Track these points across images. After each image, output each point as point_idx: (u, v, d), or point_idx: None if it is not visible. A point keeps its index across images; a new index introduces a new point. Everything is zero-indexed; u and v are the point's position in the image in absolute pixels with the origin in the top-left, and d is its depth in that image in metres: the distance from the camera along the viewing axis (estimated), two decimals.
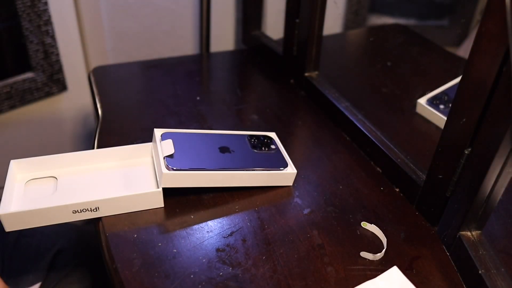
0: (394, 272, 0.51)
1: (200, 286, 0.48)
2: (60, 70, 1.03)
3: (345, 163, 0.68)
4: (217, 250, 0.53)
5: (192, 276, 0.49)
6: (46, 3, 0.94)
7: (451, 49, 1.00)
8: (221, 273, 0.50)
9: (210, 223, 0.56)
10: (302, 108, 0.82)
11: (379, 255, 0.53)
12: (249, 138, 0.66)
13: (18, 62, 0.99)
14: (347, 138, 0.74)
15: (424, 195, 0.58)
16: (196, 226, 0.56)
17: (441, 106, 0.76)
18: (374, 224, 0.57)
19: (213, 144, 0.62)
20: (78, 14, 1.02)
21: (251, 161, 0.61)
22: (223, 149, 0.62)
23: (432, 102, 0.77)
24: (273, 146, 0.66)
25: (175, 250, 0.52)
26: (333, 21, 1.14)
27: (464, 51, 0.96)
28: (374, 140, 0.67)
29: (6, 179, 0.56)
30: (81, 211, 0.54)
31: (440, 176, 0.54)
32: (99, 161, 0.62)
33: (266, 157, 0.63)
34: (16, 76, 0.98)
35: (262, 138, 0.67)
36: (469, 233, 0.52)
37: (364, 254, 0.53)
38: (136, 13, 1.05)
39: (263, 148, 0.64)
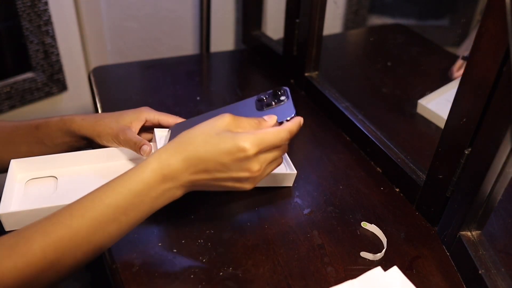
0: (394, 272, 0.51)
1: (200, 286, 0.48)
2: (60, 70, 1.03)
3: (345, 163, 0.68)
4: (217, 250, 0.53)
5: (192, 276, 0.49)
6: (46, 3, 0.94)
7: (451, 49, 1.00)
8: (221, 273, 0.50)
9: (210, 223, 0.56)
10: (302, 108, 0.82)
11: (379, 255, 0.53)
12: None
13: (18, 62, 0.99)
14: (347, 138, 0.74)
15: (424, 195, 0.58)
16: (196, 226, 0.55)
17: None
18: (374, 224, 0.57)
19: None
20: (78, 14, 1.02)
21: None
22: None
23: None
24: (283, 98, 0.55)
25: (175, 250, 0.52)
26: (333, 21, 1.14)
27: (464, 51, 0.95)
28: (374, 140, 0.67)
29: (6, 178, 0.56)
30: None
31: (440, 176, 0.54)
32: (99, 161, 0.62)
33: None
34: (16, 76, 0.98)
35: (273, 95, 0.56)
36: (469, 233, 0.52)
37: (364, 254, 0.53)
38: (136, 13, 1.05)
39: (273, 103, 0.55)
